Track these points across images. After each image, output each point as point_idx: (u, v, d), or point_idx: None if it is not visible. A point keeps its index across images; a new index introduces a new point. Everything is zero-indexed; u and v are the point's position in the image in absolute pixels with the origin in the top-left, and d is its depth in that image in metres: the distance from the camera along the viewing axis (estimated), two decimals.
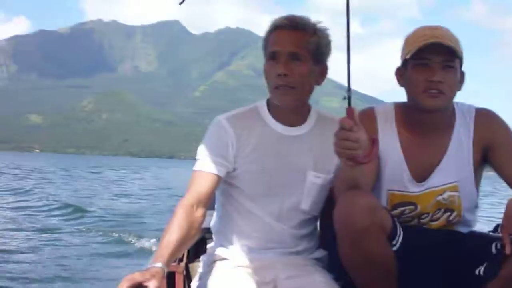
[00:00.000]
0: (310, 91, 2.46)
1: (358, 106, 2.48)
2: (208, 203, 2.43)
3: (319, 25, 2.43)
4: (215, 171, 2.43)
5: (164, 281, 2.20)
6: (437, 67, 2.38)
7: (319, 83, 2.46)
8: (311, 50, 2.36)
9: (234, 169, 2.50)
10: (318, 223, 2.77)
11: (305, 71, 2.36)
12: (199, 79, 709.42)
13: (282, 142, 2.50)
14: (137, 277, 1.93)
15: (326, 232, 2.63)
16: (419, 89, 2.42)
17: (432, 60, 2.39)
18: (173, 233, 2.20)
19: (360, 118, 2.08)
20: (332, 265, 2.57)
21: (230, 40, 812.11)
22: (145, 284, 1.92)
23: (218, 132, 2.49)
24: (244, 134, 2.48)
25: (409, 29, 2.50)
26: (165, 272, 2.05)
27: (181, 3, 2.51)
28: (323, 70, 2.45)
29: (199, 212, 2.35)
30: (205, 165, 2.44)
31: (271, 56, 2.39)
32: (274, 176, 2.49)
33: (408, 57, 2.41)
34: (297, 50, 2.35)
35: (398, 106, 2.64)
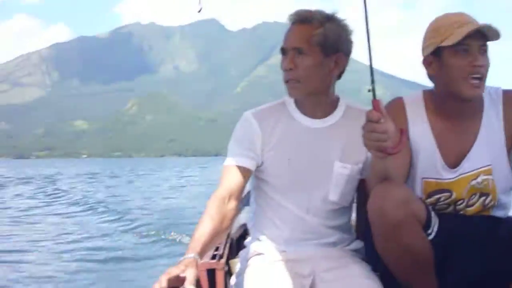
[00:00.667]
0: (324, 83, 2.46)
1: (404, 93, 2.59)
2: (240, 196, 2.47)
3: (332, 16, 2.42)
4: (244, 164, 2.48)
5: (202, 273, 2.31)
6: (477, 52, 2.37)
7: (335, 74, 2.45)
8: (317, 42, 2.37)
9: (262, 163, 2.53)
10: (355, 215, 2.81)
11: (309, 64, 2.37)
12: (239, 75, 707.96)
13: (308, 134, 2.52)
14: (172, 270, 1.98)
15: (361, 223, 2.68)
16: (462, 75, 2.38)
17: (471, 45, 2.36)
18: (205, 225, 2.25)
19: (389, 109, 2.12)
20: (369, 256, 2.58)
21: (268, 34, 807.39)
22: (182, 275, 1.96)
23: (245, 127, 2.54)
24: (270, 128, 2.52)
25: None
26: (198, 262, 2.08)
27: (199, 11, 2.51)
28: (338, 61, 2.42)
29: (231, 205, 2.39)
30: (234, 159, 2.49)
31: (281, 52, 2.45)
32: (300, 169, 2.51)
33: (447, 43, 2.37)
34: (300, 45, 2.38)
35: (427, 93, 2.62)
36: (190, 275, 1.97)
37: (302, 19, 2.40)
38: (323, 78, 2.43)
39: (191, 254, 2.11)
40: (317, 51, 2.38)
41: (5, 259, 10.87)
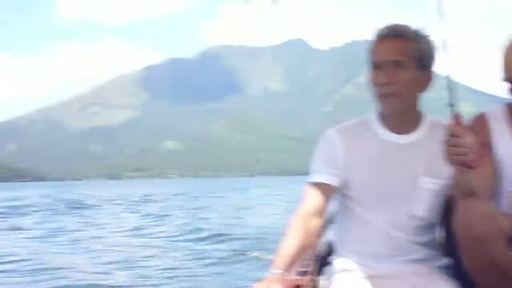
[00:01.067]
0: (416, 98, 2.47)
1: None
2: (323, 213, 2.50)
3: (423, 32, 2.44)
4: (327, 181, 2.50)
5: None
6: None
7: (424, 90, 2.46)
8: (414, 57, 2.37)
9: (346, 179, 2.53)
10: (444, 231, 2.75)
11: (408, 78, 2.37)
12: (328, 94, 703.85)
13: (393, 150, 2.51)
14: (257, 286, 2.04)
15: (450, 239, 2.60)
16: None
17: None
18: (289, 242, 2.31)
19: (473, 123, 2.23)
20: (457, 273, 2.53)
21: (357, 53, 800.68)
22: None
23: (327, 144, 2.56)
24: (353, 144, 2.52)
25: None
26: (283, 278, 2.12)
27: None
28: (428, 77, 2.44)
29: (314, 221, 2.43)
30: (317, 177, 2.52)
31: (375, 66, 2.42)
32: (386, 184, 2.51)
33: None
34: (399, 58, 2.36)
35: (510, 106, 2.60)
36: None
37: (398, 33, 2.40)
38: (417, 93, 2.45)
39: (275, 270, 2.15)
40: (414, 65, 2.37)
41: (124, 266, 12.65)
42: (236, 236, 17.33)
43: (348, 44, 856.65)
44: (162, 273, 11.63)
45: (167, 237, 18.79)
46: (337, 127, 2.59)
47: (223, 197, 52.32)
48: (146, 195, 57.92)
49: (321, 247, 3.24)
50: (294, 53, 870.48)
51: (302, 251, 2.34)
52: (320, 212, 2.45)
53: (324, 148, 2.57)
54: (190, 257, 13.86)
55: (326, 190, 2.49)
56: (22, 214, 30.80)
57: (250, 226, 20.78)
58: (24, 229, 22.13)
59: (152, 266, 12.52)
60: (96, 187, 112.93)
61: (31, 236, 19.76)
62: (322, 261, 3.15)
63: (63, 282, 10.92)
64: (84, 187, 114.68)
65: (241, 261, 12.79)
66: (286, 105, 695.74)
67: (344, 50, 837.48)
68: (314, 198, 2.47)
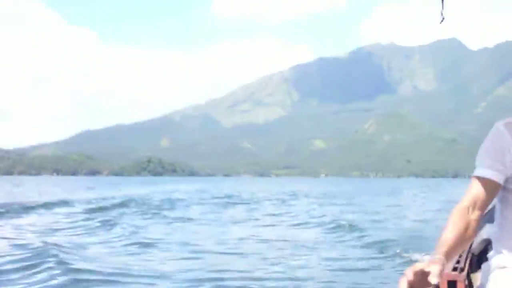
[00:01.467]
0: None
1: None
2: (484, 208, 2.46)
3: None
4: (491, 177, 2.45)
5: (443, 284, 2.44)
6: None
7: None
8: None
9: (511, 174, 2.47)
10: None
11: None
12: (480, 95, 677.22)
13: None
14: (418, 265, 2.04)
15: None
16: None
17: None
18: (448, 232, 2.30)
19: None
20: None
21: (509, 54, 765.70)
22: (426, 269, 2.01)
23: (495, 138, 2.50)
24: None
25: None
26: (444, 263, 2.13)
27: (441, 22, 2.61)
28: None
29: (474, 215, 2.40)
30: (482, 171, 2.47)
31: None
32: None
33: None
34: None
35: None
36: (434, 270, 2.00)
37: None
38: None
39: (436, 256, 2.16)
40: None
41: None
42: (387, 234, 17.59)
43: (500, 45, 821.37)
44: (322, 267, 12.00)
45: (322, 231, 19.41)
46: (507, 120, 2.53)
47: (373, 195, 53.47)
48: (297, 192, 59.63)
49: (477, 244, 3.21)
50: (446, 52, 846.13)
51: (460, 242, 2.33)
52: (480, 206, 2.43)
53: (491, 142, 2.51)
54: (343, 253, 14.24)
55: (488, 185, 2.45)
56: (186, 206, 33.16)
57: (401, 225, 21.24)
58: (193, 220, 24.01)
59: (308, 258, 13.13)
60: (247, 183, 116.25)
61: (199, 225, 21.73)
62: (479, 258, 3.13)
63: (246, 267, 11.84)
64: (237, 183, 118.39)
65: (390, 259, 12.99)
66: (437, 105, 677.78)
67: (496, 50, 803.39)
68: (476, 192, 2.44)
